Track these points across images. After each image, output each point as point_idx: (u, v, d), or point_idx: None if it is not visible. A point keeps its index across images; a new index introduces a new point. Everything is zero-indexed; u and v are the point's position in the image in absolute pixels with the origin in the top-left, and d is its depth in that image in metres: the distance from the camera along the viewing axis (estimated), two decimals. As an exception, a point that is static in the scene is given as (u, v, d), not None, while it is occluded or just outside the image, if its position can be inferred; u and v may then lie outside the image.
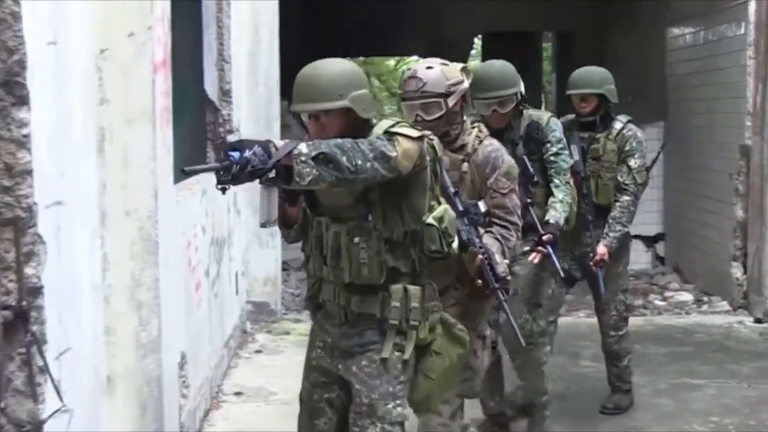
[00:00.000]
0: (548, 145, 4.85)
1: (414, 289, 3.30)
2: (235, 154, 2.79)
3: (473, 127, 4.00)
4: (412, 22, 13.52)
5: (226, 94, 6.63)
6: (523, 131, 4.82)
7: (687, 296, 9.16)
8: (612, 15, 12.44)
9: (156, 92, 3.81)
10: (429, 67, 3.81)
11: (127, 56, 3.67)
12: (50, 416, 2.90)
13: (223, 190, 2.83)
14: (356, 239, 3.24)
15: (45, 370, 2.86)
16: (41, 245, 2.89)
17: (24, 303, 2.80)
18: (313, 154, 2.90)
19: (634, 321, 6.69)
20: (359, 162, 2.98)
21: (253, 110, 7.65)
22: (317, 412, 3.45)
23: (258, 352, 7.07)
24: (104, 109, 3.61)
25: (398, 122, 3.25)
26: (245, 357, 6.95)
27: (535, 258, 4.75)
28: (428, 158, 3.26)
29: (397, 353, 3.29)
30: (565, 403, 5.81)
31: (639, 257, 10.10)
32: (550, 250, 4.77)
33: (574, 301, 8.54)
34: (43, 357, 2.85)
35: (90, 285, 3.50)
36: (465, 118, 4.00)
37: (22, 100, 2.75)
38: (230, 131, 6.67)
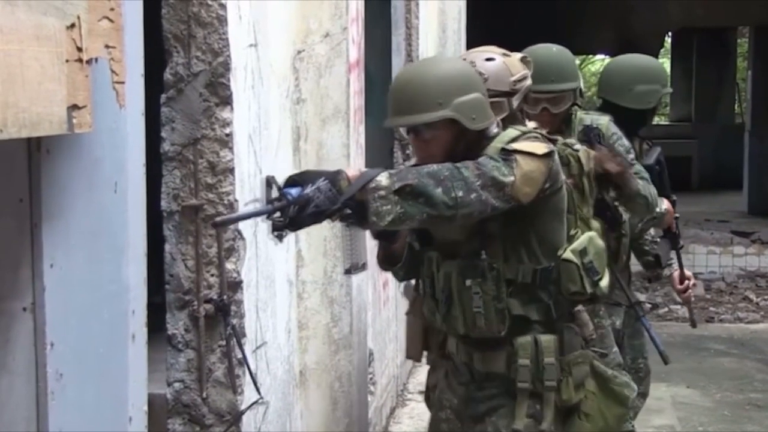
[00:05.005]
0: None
1: (546, 340, 2.70)
2: (293, 191, 2.28)
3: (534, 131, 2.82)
4: (599, 17, 13.24)
5: (413, 94, 6.65)
6: (576, 138, 3.69)
7: None
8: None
9: (350, 92, 3.86)
10: (490, 59, 2.98)
11: (323, 57, 3.74)
12: (248, 407, 2.98)
13: (280, 237, 2.31)
14: (468, 282, 2.67)
15: (244, 362, 2.94)
16: (241, 241, 2.97)
17: (224, 297, 2.90)
18: (396, 186, 2.33)
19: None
20: (460, 194, 2.39)
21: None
22: None
23: (443, 351, 7.07)
24: (300, 109, 3.68)
25: (525, 132, 2.69)
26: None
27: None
28: (562, 177, 2.70)
29: (532, 419, 2.72)
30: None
31: None
32: None
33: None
34: (242, 350, 2.93)
35: (285, 281, 3.57)
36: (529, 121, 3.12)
37: (226, 101, 2.83)
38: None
